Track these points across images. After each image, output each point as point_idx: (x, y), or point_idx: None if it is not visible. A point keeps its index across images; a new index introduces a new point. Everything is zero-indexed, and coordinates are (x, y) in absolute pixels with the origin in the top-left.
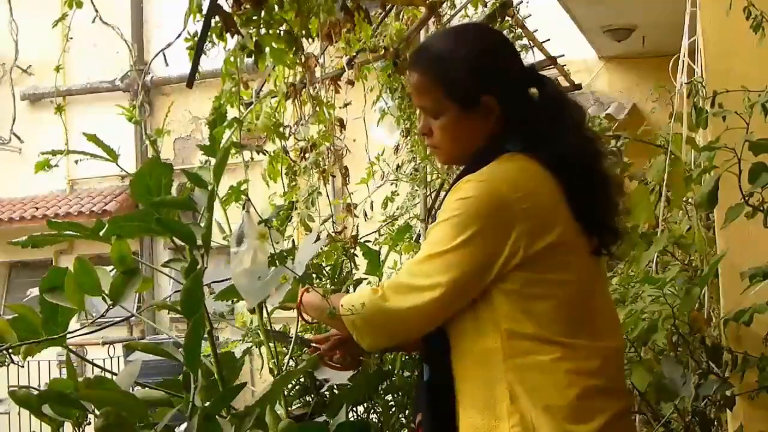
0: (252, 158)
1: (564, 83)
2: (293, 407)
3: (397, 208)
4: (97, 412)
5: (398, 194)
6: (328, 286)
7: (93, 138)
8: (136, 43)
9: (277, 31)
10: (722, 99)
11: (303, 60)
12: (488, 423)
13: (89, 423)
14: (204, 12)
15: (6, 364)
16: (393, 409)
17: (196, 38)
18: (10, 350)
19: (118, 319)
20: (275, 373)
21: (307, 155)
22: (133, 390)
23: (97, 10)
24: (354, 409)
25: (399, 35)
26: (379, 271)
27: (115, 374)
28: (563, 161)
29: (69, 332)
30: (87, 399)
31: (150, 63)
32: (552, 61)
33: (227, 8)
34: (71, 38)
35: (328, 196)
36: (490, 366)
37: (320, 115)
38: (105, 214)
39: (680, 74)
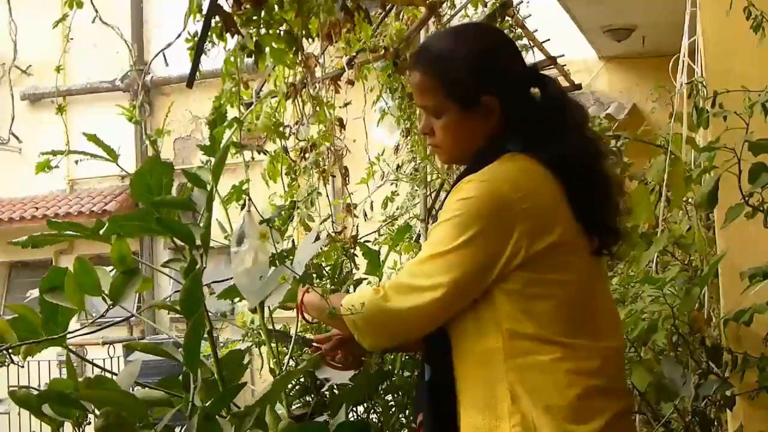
0: (252, 158)
1: (564, 83)
2: (293, 407)
3: (397, 208)
4: (97, 412)
5: (398, 194)
6: (328, 286)
7: (93, 138)
8: (136, 43)
9: (277, 31)
10: (722, 99)
11: (303, 60)
12: (489, 423)
13: (89, 423)
14: (204, 12)
15: (6, 364)
16: (393, 409)
17: (196, 38)
18: (10, 350)
19: (118, 319)
20: (276, 373)
21: (307, 155)
22: (133, 390)
23: (97, 10)
24: (354, 409)
25: (399, 35)
26: (379, 271)
27: (115, 374)
28: (564, 161)
29: (69, 332)
30: (87, 399)
31: (150, 63)
32: (552, 61)
33: (227, 8)
34: (71, 38)
35: (328, 196)
36: (491, 366)
37: (320, 115)
38: (105, 214)
39: (680, 74)
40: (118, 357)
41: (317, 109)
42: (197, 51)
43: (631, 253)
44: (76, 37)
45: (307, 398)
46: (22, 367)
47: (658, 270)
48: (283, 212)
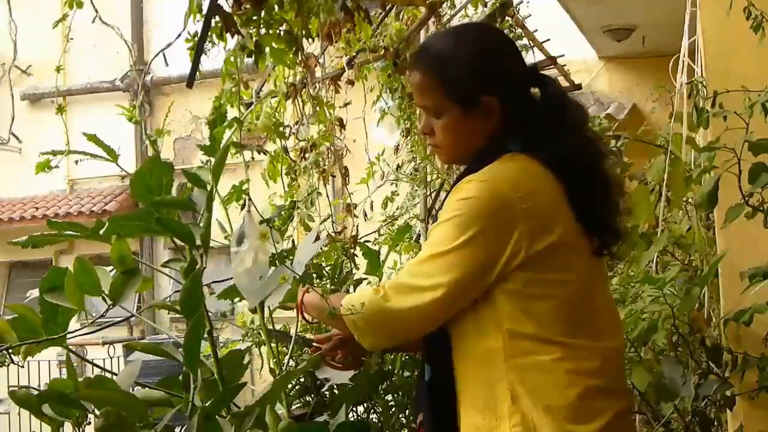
0: (252, 158)
1: (564, 83)
2: (293, 407)
3: (397, 208)
4: (97, 412)
5: (398, 194)
6: (328, 286)
7: (93, 138)
8: (136, 43)
9: (277, 31)
10: (722, 99)
11: (303, 60)
12: (489, 423)
13: (89, 423)
14: (204, 12)
15: (6, 364)
16: (393, 409)
17: (196, 38)
18: (10, 350)
19: (118, 319)
20: (276, 373)
21: (307, 155)
22: (133, 390)
23: (97, 10)
24: (354, 409)
25: (399, 35)
26: (379, 271)
27: (115, 374)
28: (564, 161)
29: (69, 332)
30: (87, 399)
31: (150, 63)
32: (552, 61)
33: (227, 8)
34: (72, 38)
35: (328, 196)
36: (492, 366)
37: (320, 115)
38: (105, 214)
39: (680, 74)
40: (118, 357)
41: (317, 109)
42: (197, 51)
43: (631, 253)
44: (76, 37)
45: (307, 398)
46: (22, 367)
47: (658, 270)
48: (283, 212)
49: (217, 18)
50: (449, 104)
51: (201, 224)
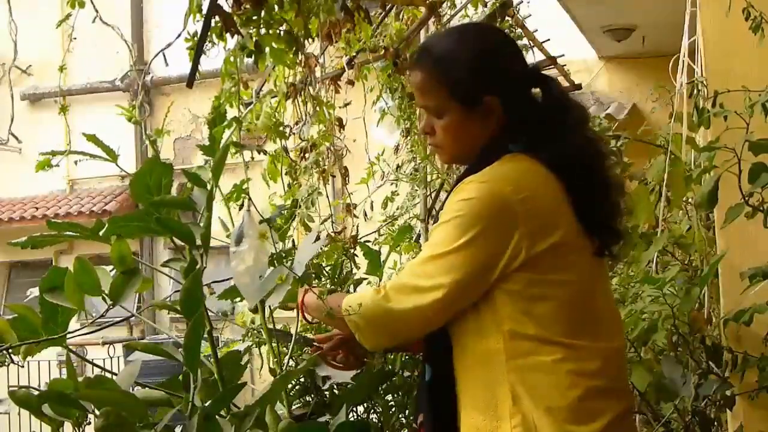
0: (252, 158)
1: (564, 83)
2: (293, 407)
3: (397, 208)
4: (97, 412)
5: (398, 194)
6: (328, 286)
7: (93, 138)
8: (136, 43)
9: (277, 31)
10: (722, 99)
11: (303, 60)
12: (490, 423)
13: (89, 423)
14: (204, 12)
15: (6, 364)
16: (393, 409)
17: (196, 38)
18: (10, 350)
19: (118, 319)
20: (276, 373)
21: (307, 155)
22: (133, 390)
23: (97, 10)
24: (354, 409)
25: (399, 35)
26: (379, 271)
27: (115, 374)
28: (565, 162)
29: (69, 332)
30: (87, 399)
31: (150, 63)
32: (552, 61)
33: (227, 8)
34: (75, 38)
35: (328, 196)
36: (492, 366)
37: (320, 115)
38: (105, 214)
39: (680, 74)
40: (118, 357)
41: (317, 109)
42: (197, 51)
43: (631, 253)
44: (77, 37)
45: (307, 398)
46: (22, 367)
47: (658, 270)
48: (283, 212)
49: (217, 18)
50: (450, 104)
51: (201, 224)
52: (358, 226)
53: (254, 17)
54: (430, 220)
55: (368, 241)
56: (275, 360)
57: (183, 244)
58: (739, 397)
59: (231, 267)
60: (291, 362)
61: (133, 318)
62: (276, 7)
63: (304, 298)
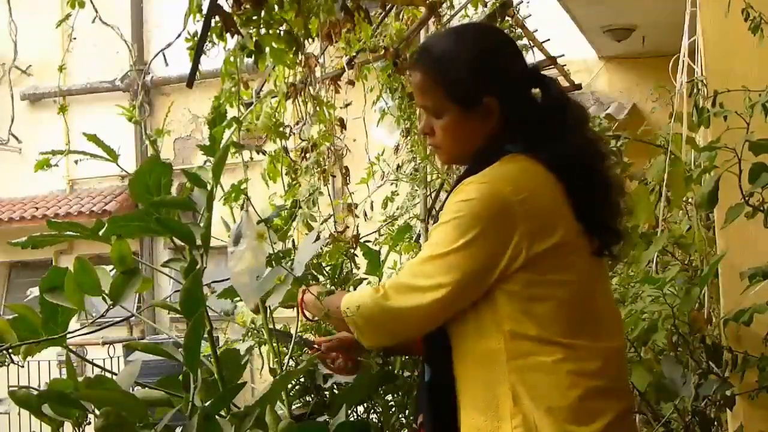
0: (252, 158)
1: (564, 83)
2: (293, 407)
3: (397, 208)
4: (97, 412)
5: (398, 194)
6: (328, 286)
7: (93, 138)
8: (136, 43)
9: (277, 31)
10: (722, 99)
11: (303, 60)
12: (490, 424)
13: (89, 423)
14: (204, 12)
15: (6, 364)
16: (393, 409)
17: (196, 38)
18: (10, 350)
19: (118, 319)
20: (276, 373)
21: (307, 155)
22: (133, 390)
23: (97, 10)
24: (354, 409)
25: (399, 35)
26: (379, 271)
27: (115, 374)
28: (564, 162)
29: (69, 332)
30: (87, 399)
31: (150, 63)
32: (552, 61)
33: (227, 8)
34: (75, 38)
35: (329, 196)
36: (493, 367)
37: (320, 115)
38: (105, 214)
39: (680, 74)
40: (118, 357)
41: (317, 109)
42: (197, 51)
43: (631, 253)
44: (77, 37)
45: (307, 398)
46: (22, 367)
47: (658, 270)
48: (284, 212)
49: (217, 18)
50: (449, 104)
51: (201, 224)
52: (358, 226)
53: (254, 17)
54: (430, 220)
55: (368, 241)
56: (275, 360)
57: (183, 244)
58: (739, 397)
59: (229, 267)
60: (291, 362)
61: (133, 318)
62: (276, 7)
63: (303, 296)
